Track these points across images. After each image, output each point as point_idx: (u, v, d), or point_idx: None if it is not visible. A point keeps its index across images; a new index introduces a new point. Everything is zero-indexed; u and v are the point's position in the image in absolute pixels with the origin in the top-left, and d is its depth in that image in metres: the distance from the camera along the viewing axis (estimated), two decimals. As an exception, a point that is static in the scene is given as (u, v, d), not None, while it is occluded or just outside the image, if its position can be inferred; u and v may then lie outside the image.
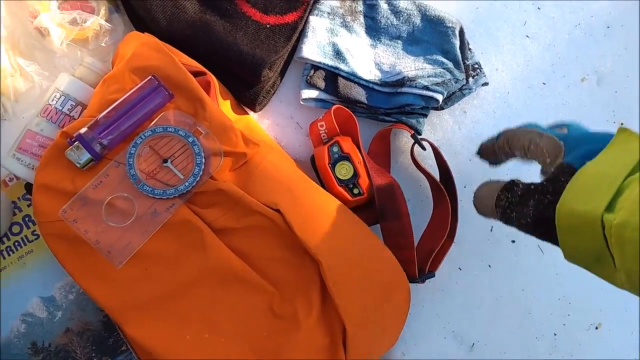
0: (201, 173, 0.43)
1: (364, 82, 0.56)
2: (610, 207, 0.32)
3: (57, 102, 0.47)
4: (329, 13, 0.57)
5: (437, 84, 0.55)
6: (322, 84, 0.55)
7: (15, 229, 0.49)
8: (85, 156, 0.42)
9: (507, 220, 0.40)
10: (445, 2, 0.61)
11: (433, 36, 0.58)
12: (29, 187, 0.48)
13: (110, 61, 0.50)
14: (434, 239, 0.54)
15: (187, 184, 0.43)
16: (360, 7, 0.58)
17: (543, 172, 0.41)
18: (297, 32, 0.54)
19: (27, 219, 0.49)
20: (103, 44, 0.51)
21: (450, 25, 0.57)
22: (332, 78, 0.56)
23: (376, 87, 0.56)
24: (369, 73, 0.56)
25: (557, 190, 0.36)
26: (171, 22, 0.50)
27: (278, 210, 0.44)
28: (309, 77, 0.55)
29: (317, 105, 0.56)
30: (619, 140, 0.36)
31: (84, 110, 0.48)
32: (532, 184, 0.38)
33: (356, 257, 0.46)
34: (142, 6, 0.50)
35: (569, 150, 0.39)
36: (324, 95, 0.55)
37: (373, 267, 0.47)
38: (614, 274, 0.34)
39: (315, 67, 0.55)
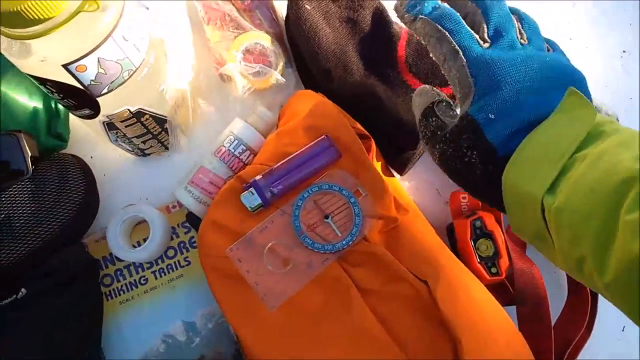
0: (358, 233, 0.45)
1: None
2: (552, 188, 0.30)
3: (230, 144, 0.51)
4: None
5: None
6: (467, 157, 0.56)
7: (170, 252, 0.53)
8: (257, 201, 0.46)
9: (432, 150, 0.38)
10: (600, 92, 0.61)
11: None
12: (190, 216, 0.53)
13: (278, 112, 0.55)
14: (569, 329, 0.52)
15: (344, 242, 0.45)
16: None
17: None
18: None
19: (181, 245, 0.54)
20: (276, 97, 0.55)
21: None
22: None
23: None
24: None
25: (458, 149, 0.34)
26: (341, 83, 0.53)
27: (425, 282, 0.45)
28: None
29: (460, 176, 0.57)
30: (568, 105, 0.33)
31: (252, 156, 0.52)
32: (443, 122, 0.36)
33: (494, 340, 0.46)
34: (313, 65, 0.54)
35: (483, 93, 0.35)
36: (468, 168, 0.56)
37: (509, 352, 0.46)
38: (554, 253, 0.32)
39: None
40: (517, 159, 0.33)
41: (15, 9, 0.37)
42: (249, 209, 0.46)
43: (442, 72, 0.40)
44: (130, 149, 0.55)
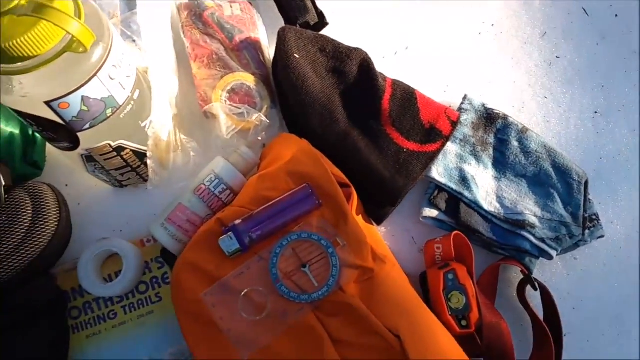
0: (334, 284, 0.46)
1: (484, 213, 0.57)
2: None
3: (211, 183, 0.51)
4: (461, 140, 0.60)
5: (553, 239, 0.56)
6: (443, 206, 0.58)
7: (142, 287, 0.52)
8: (235, 246, 0.45)
9: None
10: (571, 150, 0.64)
11: (558, 184, 0.59)
12: (165, 253, 0.52)
13: (261, 153, 0.55)
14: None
15: (320, 292, 0.45)
16: (491, 139, 0.61)
17: None
18: (433, 161, 0.57)
19: (154, 280, 0.53)
20: (259, 137, 0.55)
21: (576, 178, 0.59)
22: (453, 202, 0.58)
23: (495, 220, 0.57)
24: (490, 204, 0.58)
25: None
26: (325, 131, 0.54)
27: (397, 336, 0.46)
28: (432, 197, 0.58)
29: (435, 224, 0.58)
30: None
31: (232, 195, 0.52)
32: None
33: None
34: (299, 112, 0.55)
35: None
36: (443, 217, 0.58)
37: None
38: None
39: (440, 188, 0.58)
40: None
41: (2, 47, 0.37)
42: (227, 253, 0.45)
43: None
44: (107, 179, 0.54)
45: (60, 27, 0.36)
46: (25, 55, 0.38)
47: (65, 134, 0.45)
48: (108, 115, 0.45)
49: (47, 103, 0.41)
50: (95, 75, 0.42)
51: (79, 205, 0.54)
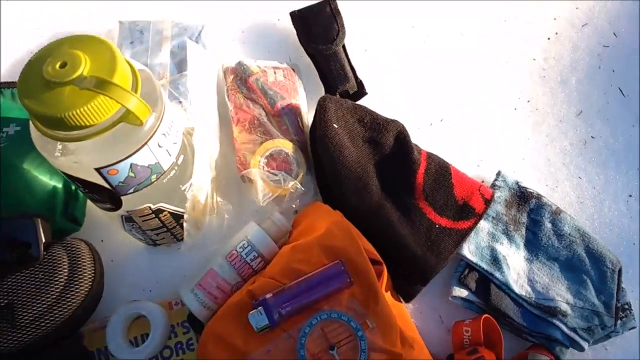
0: (362, 368, 0.45)
1: (515, 296, 0.56)
2: None
3: (243, 250, 0.51)
4: (493, 217, 0.59)
5: (585, 329, 0.55)
6: (473, 286, 0.57)
7: (166, 352, 0.52)
8: (264, 322, 0.45)
9: None
10: (605, 234, 0.63)
11: (591, 271, 0.58)
12: (192, 318, 0.52)
13: (293, 220, 0.55)
14: None
15: (347, 376, 0.44)
16: (524, 219, 0.60)
17: None
18: (465, 239, 0.56)
19: (178, 346, 0.52)
20: (293, 205, 0.56)
21: (610, 266, 0.58)
22: (484, 282, 0.57)
23: (525, 305, 0.56)
24: (521, 287, 0.57)
25: None
26: (358, 202, 0.54)
27: None
28: (462, 276, 0.57)
29: (464, 304, 0.57)
30: None
31: (263, 262, 0.52)
32: None
33: None
34: (334, 181, 0.55)
35: None
36: (473, 298, 0.57)
37: None
38: None
39: (470, 267, 0.57)
40: None
41: (59, 116, 0.38)
42: (255, 329, 0.45)
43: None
44: (142, 238, 0.54)
45: (119, 103, 0.38)
46: (83, 124, 0.39)
47: (109, 196, 0.45)
48: (152, 180, 0.46)
49: (98, 170, 0.42)
50: (145, 144, 0.43)
51: (112, 262, 0.54)
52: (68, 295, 0.46)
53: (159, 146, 0.45)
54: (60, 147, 0.41)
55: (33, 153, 0.51)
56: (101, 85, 0.38)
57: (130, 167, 0.43)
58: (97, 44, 0.40)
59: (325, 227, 0.50)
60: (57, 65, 0.38)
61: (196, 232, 0.54)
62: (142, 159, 0.43)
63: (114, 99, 0.38)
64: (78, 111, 0.38)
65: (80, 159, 0.41)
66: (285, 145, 0.56)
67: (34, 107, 0.38)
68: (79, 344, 0.48)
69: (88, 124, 0.39)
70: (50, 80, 0.38)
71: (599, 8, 0.76)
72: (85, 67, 0.38)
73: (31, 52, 0.64)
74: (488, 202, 0.58)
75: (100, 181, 0.43)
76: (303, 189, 0.56)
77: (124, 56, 0.42)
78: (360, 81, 0.64)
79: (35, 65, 0.39)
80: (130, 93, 0.38)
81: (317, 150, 0.56)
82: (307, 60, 0.65)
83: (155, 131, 0.43)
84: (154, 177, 0.46)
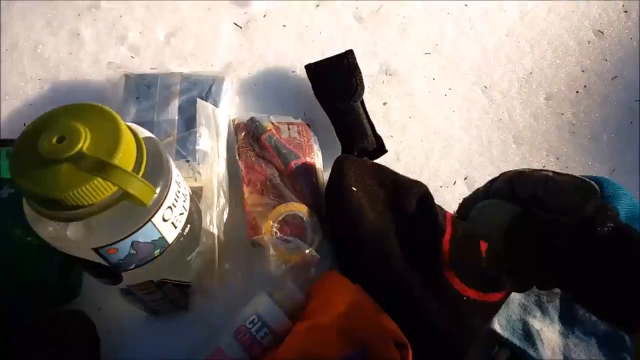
0: None
1: (550, 378, 0.51)
2: None
3: (253, 326, 0.47)
4: (523, 288, 0.55)
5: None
6: (503, 364, 0.52)
7: None
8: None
9: (517, 259, 0.34)
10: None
11: (632, 348, 0.53)
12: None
13: (308, 290, 0.51)
14: None
15: None
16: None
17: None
18: (495, 313, 0.52)
19: None
20: (308, 275, 0.51)
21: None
22: (516, 359, 0.52)
23: (561, 388, 0.51)
24: (556, 367, 0.52)
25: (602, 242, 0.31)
26: (378, 271, 0.50)
27: None
28: (494, 353, 0.52)
29: (493, 385, 0.52)
30: None
31: (273, 338, 0.47)
32: (557, 220, 0.32)
33: None
34: (352, 247, 0.51)
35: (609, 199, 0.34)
36: (503, 378, 0.52)
37: None
38: None
39: (501, 343, 0.53)
40: None
41: (55, 196, 0.34)
42: None
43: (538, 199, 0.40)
44: (142, 307, 0.50)
45: (120, 187, 0.34)
46: (80, 204, 0.35)
47: (108, 273, 0.42)
48: (155, 255, 0.42)
49: (96, 249, 0.38)
50: (149, 221, 0.39)
51: (109, 334, 0.50)
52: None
53: (164, 220, 0.41)
54: (54, 226, 0.37)
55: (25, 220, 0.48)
56: (101, 167, 0.34)
57: (132, 244, 0.39)
58: (98, 115, 0.37)
59: (343, 306, 0.46)
60: (54, 140, 0.35)
61: (202, 301, 0.50)
62: (145, 235, 0.40)
63: (115, 184, 0.34)
64: (75, 192, 0.34)
65: (77, 239, 0.37)
66: (300, 209, 0.52)
67: (27, 186, 0.34)
68: None
69: (86, 203, 0.35)
70: (46, 157, 0.34)
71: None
72: (85, 142, 0.35)
73: (30, 104, 0.62)
74: (518, 270, 0.54)
75: (98, 259, 0.39)
76: (319, 256, 0.51)
77: (130, 114, 0.39)
78: (379, 137, 0.60)
79: (29, 139, 0.36)
80: (133, 176, 0.35)
81: (333, 215, 0.52)
82: (323, 113, 0.61)
83: (160, 206, 0.40)
84: (157, 252, 0.42)
